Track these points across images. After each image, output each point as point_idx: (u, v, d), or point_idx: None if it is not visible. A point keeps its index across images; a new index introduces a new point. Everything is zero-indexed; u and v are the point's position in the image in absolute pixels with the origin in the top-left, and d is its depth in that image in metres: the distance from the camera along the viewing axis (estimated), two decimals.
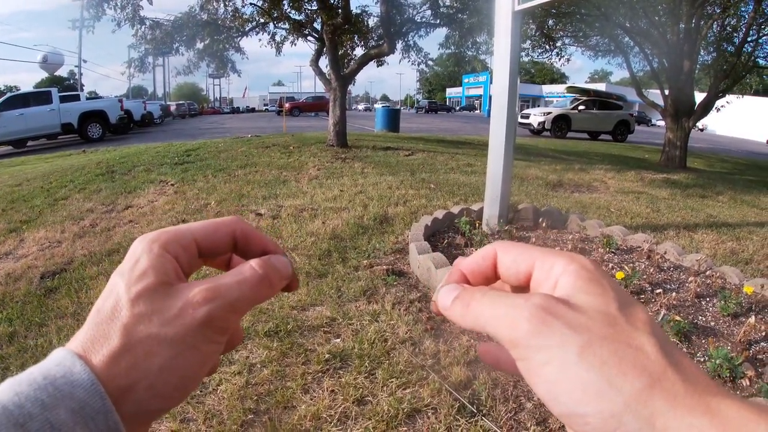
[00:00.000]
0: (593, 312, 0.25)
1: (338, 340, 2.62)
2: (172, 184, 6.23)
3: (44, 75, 56.97)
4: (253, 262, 0.32)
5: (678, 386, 0.22)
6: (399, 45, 10.86)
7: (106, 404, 0.26)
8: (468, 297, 0.28)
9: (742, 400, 0.22)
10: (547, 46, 13.05)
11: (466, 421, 2.00)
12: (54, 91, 16.40)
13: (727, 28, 11.54)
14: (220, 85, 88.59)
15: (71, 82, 55.96)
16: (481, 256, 0.31)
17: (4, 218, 5.15)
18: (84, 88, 45.40)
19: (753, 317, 2.61)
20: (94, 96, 25.26)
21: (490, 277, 0.31)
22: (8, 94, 17.03)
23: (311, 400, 2.13)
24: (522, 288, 0.30)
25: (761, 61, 12.52)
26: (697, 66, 11.44)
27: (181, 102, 45.00)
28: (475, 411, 2.06)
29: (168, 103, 42.15)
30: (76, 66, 43.48)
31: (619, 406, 0.22)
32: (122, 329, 0.28)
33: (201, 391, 2.19)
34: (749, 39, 11.21)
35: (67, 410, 0.24)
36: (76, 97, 17.38)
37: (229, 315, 0.30)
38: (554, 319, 0.24)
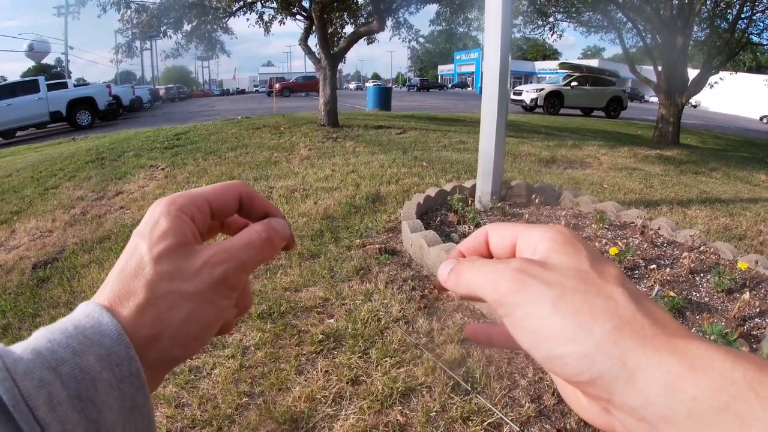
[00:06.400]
0: (566, 269, 0.27)
1: (332, 320, 2.61)
2: (163, 169, 6.17)
3: (31, 64, 56.08)
4: (257, 226, 0.36)
5: (647, 328, 0.24)
6: (389, 22, 10.71)
7: (130, 352, 0.29)
8: (459, 267, 0.32)
9: (706, 341, 0.23)
10: (540, 22, 12.95)
11: (461, 399, 2.00)
12: (41, 79, 16.18)
13: (721, 4, 11.43)
14: (209, 67, 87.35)
15: (58, 69, 55.09)
16: (475, 237, 0.35)
17: None
18: (71, 75, 44.78)
19: (747, 293, 2.60)
20: (82, 83, 24.81)
21: (484, 255, 0.34)
22: None
23: (305, 381, 2.13)
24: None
25: (755, 38, 12.49)
26: (691, 42, 11.33)
27: (170, 85, 44.44)
28: (470, 389, 2.06)
29: (157, 87, 41.53)
30: (62, 53, 42.81)
31: (591, 347, 0.24)
32: (147, 285, 0.31)
33: (195, 376, 2.19)
34: (743, 15, 11.14)
35: (95, 356, 0.27)
36: (64, 85, 17.19)
37: (240, 273, 0.34)
38: (530, 278, 0.27)
